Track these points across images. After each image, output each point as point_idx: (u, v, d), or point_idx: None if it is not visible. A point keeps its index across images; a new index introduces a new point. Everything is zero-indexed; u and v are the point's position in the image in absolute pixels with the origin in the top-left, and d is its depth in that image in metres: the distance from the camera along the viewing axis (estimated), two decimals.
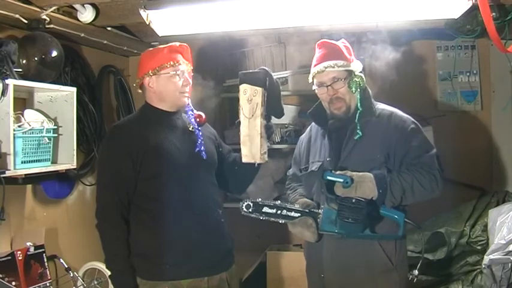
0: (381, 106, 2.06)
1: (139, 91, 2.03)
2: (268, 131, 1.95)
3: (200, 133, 2.00)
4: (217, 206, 2.02)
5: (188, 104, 2.02)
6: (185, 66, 1.98)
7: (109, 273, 1.91)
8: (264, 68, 1.94)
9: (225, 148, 2.18)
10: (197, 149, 1.97)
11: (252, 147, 1.91)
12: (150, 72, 1.94)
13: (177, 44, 2.01)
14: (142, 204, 1.90)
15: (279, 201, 1.98)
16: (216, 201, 2.02)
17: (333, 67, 1.95)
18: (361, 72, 2.01)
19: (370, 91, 2.07)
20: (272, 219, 1.96)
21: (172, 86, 1.95)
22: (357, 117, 1.95)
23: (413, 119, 2.02)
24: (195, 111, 2.04)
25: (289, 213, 1.93)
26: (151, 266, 1.88)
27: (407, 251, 2.08)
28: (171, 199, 1.90)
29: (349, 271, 1.95)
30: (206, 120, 2.06)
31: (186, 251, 1.90)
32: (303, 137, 2.23)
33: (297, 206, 1.96)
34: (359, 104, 1.97)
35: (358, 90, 1.98)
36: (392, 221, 1.89)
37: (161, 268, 1.87)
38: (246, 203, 1.96)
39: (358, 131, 1.93)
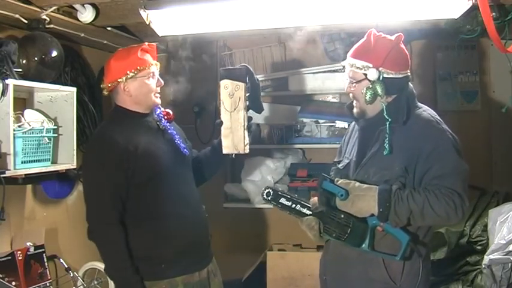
0: (417, 112, 1.85)
1: (106, 93, 2.00)
2: (249, 122, 2.01)
3: (174, 131, 2.03)
4: (201, 201, 2.07)
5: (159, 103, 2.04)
6: (155, 67, 1.99)
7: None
8: (245, 64, 2.00)
9: (189, 144, 2.19)
10: (181, 146, 2.00)
11: (234, 138, 1.97)
12: (125, 76, 1.92)
13: (145, 44, 2.01)
14: (135, 207, 1.90)
15: (297, 195, 1.96)
16: (199, 197, 2.08)
17: (351, 66, 1.85)
18: (379, 80, 1.80)
19: (407, 96, 1.86)
20: (286, 211, 1.92)
21: (147, 89, 1.96)
22: (387, 130, 1.78)
23: (449, 133, 1.81)
24: (162, 109, 2.05)
25: (302, 209, 1.89)
26: (147, 266, 1.89)
27: (427, 273, 1.86)
28: (162, 200, 1.92)
29: (348, 280, 1.88)
30: (174, 117, 2.07)
31: (180, 249, 1.92)
32: (349, 129, 2.10)
33: (310, 204, 1.90)
34: (385, 113, 1.80)
35: (379, 98, 1.81)
36: (396, 241, 1.76)
37: (158, 268, 1.89)
38: (267, 190, 1.93)
39: (386, 145, 1.76)
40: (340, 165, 1.98)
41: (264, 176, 3.41)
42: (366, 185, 1.75)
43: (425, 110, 1.88)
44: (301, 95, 3.41)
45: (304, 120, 3.42)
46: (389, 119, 1.79)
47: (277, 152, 3.55)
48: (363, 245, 1.76)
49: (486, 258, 2.43)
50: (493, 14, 2.22)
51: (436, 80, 3.39)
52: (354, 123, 2.06)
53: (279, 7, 2.24)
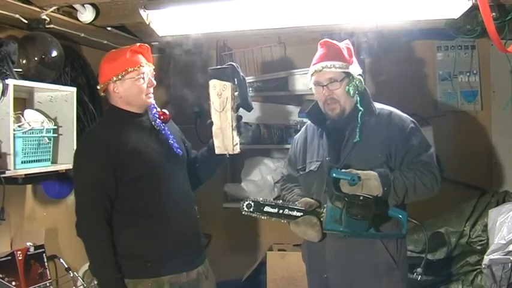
0: (379, 106, 2.06)
1: (102, 94, 2.00)
2: (238, 122, 2.01)
3: (168, 131, 2.02)
4: (194, 202, 2.06)
5: (152, 103, 2.03)
6: (147, 68, 1.98)
7: None
8: (232, 63, 1.99)
9: (189, 144, 2.19)
10: (174, 146, 1.99)
11: (224, 139, 1.97)
12: (114, 77, 1.93)
13: (138, 44, 2.00)
14: (123, 205, 1.90)
15: (281, 201, 1.97)
16: (192, 197, 2.06)
17: (330, 68, 1.96)
18: (360, 75, 2.00)
19: (368, 91, 2.07)
20: (274, 218, 1.95)
21: (137, 90, 1.95)
22: (359, 119, 1.96)
23: (411, 118, 2.02)
24: (158, 109, 2.04)
25: (291, 213, 1.92)
26: (133, 264, 1.89)
27: (407, 250, 2.09)
28: (152, 199, 1.92)
29: (353, 271, 1.95)
30: (170, 117, 2.06)
31: (166, 249, 1.92)
32: (298, 137, 2.22)
33: (299, 206, 1.95)
34: (359, 105, 1.98)
35: (357, 92, 1.99)
36: (394, 219, 1.89)
37: (143, 266, 1.89)
38: (246, 202, 1.96)
39: (357, 135, 1.94)
40: (312, 168, 2.04)
41: (264, 176, 3.41)
42: (364, 171, 1.86)
43: (381, 104, 2.08)
44: (301, 95, 3.41)
45: (304, 120, 3.42)
46: (362, 109, 1.97)
47: (277, 152, 3.55)
48: (371, 229, 1.85)
49: (486, 258, 2.43)
50: (493, 14, 2.22)
51: (436, 80, 3.40)
52: (304, 130, 2.18)
53: (279, 7, 2.24)
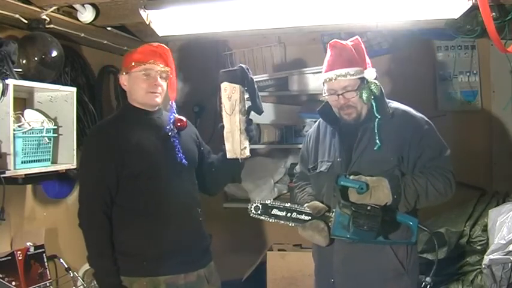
0: (393, 105, 1.97)
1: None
2: (248, 126, 1.99)
3: (177, 140, 2.00)
4: (197, 204, 2.05)
5: (172, 107, 2.03)
6: (157, 67, 1.97)
7: None
8: (241, 65, 1.98)
9: (206, 148, 2.18)
10: (178, 156, 1.97)
11: (233, 142, 1.96)
12: (122, 71, 2.00)
13: (155, 44, 2.02)
14: (124, 201, 1.91)
15: (289, 203, 1.94)
16: (195, 199, 2.05)
17: (345, 76, 1.87)
18: (375, 78, 1.92)
19: (383, 90, 1.96)
20: (281, 221, 1.92)
21: (139, 85, 1.97)
22: (376, 126, 1.88)
23: (427, 119, 1.95)
24: (176, 115, 2.03)
25: (299, 216, 1.88)
26: (129, 262, 1.89)
27: (418, 254, 2.03)
28: (151, 198, 1.92)
29: (361, 276, 1.91)
30: (186, 124, 2.05)
31: (164, 248, 1.91)
32: (311, 133, 2.14)
33: (307, 209, 1.90)
34: (375, 111, 1.90)
35: (373, 98, 1.90)
36: (404, 226, 1.84)
37: (139, 265, 1.89)
38: (254, 205, 1.93)
39: (377, 140, 1.86)
40: (323, 168, 1.99)
41: (264, 176, 3.41)
42: (375, 177, 1.81)
43: (396, 103, 1.99)
44: (301, 95, 3.41)
45: (305, 120, 3.42)
46: (379, 116, 1.89)
47: (277, 152, 3.55)
48: (379, 237, 1.80)
49: (486, 258, 2.43)
50: (493, 14, 2.22)
51: (436, 80, 3.40)
52: (316, 127, 2.11)
53: (279, 7, 2.24)
